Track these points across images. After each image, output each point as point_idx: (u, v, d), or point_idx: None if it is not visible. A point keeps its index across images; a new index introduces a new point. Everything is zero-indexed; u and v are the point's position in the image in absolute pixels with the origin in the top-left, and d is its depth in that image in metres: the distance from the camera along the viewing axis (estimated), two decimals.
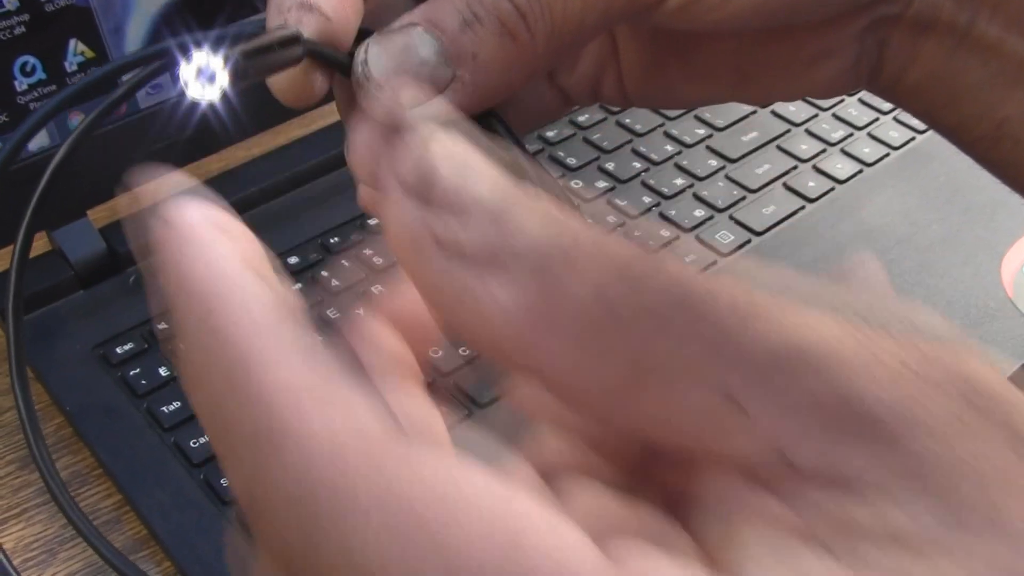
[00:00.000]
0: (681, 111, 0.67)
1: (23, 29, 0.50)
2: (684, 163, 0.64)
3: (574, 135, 0.66)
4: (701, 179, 0.63)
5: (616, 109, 0.67)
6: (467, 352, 0.52)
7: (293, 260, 0.57)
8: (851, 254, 0.57)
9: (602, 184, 0.62)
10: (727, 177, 0.63)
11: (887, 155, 0.64)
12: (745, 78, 0.33)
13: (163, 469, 0.47)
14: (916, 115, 0.34)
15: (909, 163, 0.64)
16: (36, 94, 0.52)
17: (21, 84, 0.51)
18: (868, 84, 0.33)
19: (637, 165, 0.64)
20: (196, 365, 0.17)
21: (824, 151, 0.65)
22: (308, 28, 0.24)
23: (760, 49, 0.32)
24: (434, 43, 0.25)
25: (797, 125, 0.67)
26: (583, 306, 0.16)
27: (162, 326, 0.54)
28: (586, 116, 0.67)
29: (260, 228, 0.64)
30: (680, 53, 0.33)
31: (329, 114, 0.71)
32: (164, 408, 0.49)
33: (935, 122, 0.34)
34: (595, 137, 0.65)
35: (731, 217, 0.60)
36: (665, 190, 0.62)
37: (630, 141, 0.65)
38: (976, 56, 0.32)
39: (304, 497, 0.15)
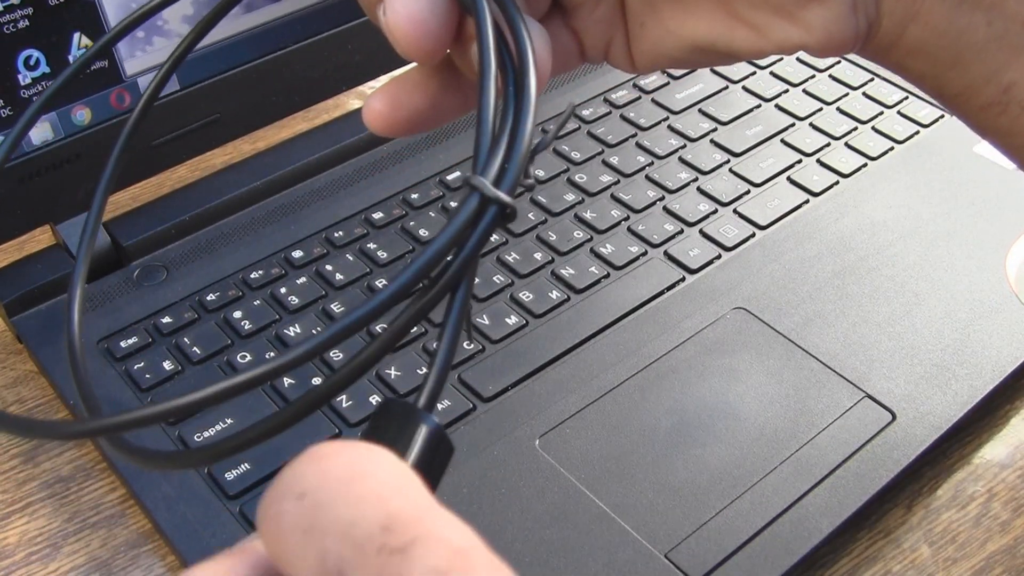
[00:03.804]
0: (685, 105, 0.67)
1: (27, 23, 0.50)
2: (688, 157, 0.63)
3: (578, 129, 0.66)
4: (705, 173, 0.62)
5: (620, 103, 0.67)
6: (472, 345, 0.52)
7: (297, 254, 0.57)
8: (854, 248, 0.57)
9: (606, 178, 0.62)
10: (731, 171, 0.63)
11: (891, 149, 0.64)
12: (737, 18, 0.32)
13: None
14: (919, 79, 0.34)
15: (913, 157, 0.64)
16: (40, 88, 0.52)
17: (25, 78, 0.51)
18: (867, 41, 0.33)
19: (641, 159, 0.63)
20: None
21: (828, 145, 0.64)
22: None
23: None
24: None
25: (801, 119, 0.66)
26: None
27: (166, 320, 0.54)
28: (590, 110, 0.67)
29: (265, 222, 0.64)
30: None
31: (333, 108, 0.71)
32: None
33: (940, 87, 0.34)
34: (599, 131, 0.65)
35: (735, 211, 0.60)
36: (669, 184, 0.62)
37: (634, 135, 0.65)
38: (980, 14, 0.31)
39: None
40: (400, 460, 0.22)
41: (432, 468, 0.24)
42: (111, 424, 0.24)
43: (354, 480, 0.20)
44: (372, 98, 0.31)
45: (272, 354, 0.52)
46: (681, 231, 0.59)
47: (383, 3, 0.28)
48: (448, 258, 0.24)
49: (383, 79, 0.67)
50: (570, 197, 0.61)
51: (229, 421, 0.48)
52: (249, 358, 0.51)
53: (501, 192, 0.24)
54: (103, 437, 0.27)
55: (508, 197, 0.24)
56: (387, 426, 0.24)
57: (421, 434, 0.23)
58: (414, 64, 0.31)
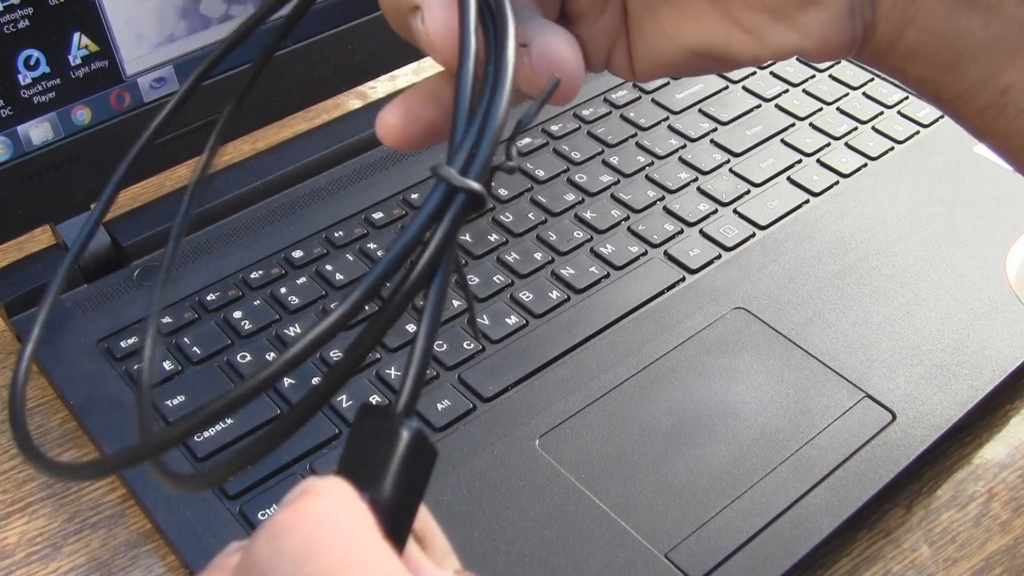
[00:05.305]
0: (685, 105, 0.67)
1: (27, 22, 0.50)
2: (688, 157, 0.63)
3: (578, 129, 0.66)
4: (705, 173, 0.62)
5: (620, 103, 0.67)
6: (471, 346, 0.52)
7: (297, 254, 0.57)
8: (854, 248, 0.57)
9: (606, 179, 0.62)
10: (731, 171, 0.63)
11: (891, 149, 0.64)
12: (734, 22, 0.32)
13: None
14: (916, 83, 0.34)
15: (913, 157, 0.64)
16: (40, 88, 0.52)
17: (25, 78, 0.51)
18: (864, 45, 0.33)
19: (641, 159, 0.63)
20: None
21: (828, 145, 0.64)
22: None
23: None
24: None
25: (801, 119, 0.66)
26: None
27: (166, 320, 0.54)
28: (590, 111, 0.67)
29: (265, 222, 0.63)
30: None
31: (333, 108, 0.71)
32: (168, 402, 0.49)
33: (936, 91, 0.34)
34: (599, 131, 0.65)
35: (735, 211, 0.60)
36: (669, 184, 0.62)
37: (634, 135, 0.65)
38: (977, 16, 0.31)
39: None
40: (365, 513, 0.22)
41: (415, 478, 0.23)
42: (135, 454, 0.25)
43: (307, 558, 0.21)
44: (385, 112, 0.31)
45: (272, 355, 0.52)
46: (681, 231, 0.59)
47: (419, 12, 0.28)
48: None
49: (383, 79, 0.67)
50: (570, 197, 0.61)
51: (229, 421, 0.48)
52: (249, 358, 0.51)
53: (469, 179, 0.24)
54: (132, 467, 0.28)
55: (477, 184, 0.24)
56: (364, 440, 0.23)
57: (400, 445, 0.23)
58: (424, 77, 0.31)
